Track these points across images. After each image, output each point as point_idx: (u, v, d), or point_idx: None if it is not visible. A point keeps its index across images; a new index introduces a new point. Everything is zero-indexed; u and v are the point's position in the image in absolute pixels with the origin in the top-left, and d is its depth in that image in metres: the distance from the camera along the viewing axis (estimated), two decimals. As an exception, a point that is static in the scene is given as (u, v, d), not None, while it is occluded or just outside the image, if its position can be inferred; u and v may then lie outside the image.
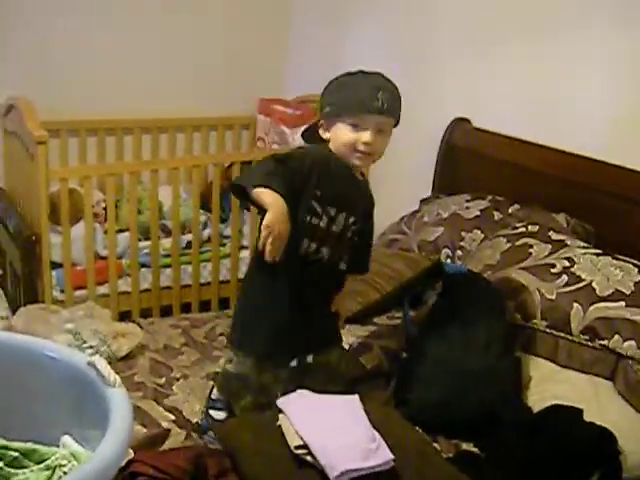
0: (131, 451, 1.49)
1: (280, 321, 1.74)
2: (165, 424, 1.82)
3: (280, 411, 1.63)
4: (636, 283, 1.97)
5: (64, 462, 1.22)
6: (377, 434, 1.56)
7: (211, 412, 1.85)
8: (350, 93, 1.68)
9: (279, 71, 3.70)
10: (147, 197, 3.04)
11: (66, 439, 1.25)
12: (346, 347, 2.02)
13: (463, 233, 2.52)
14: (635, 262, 2.04)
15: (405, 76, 3.11)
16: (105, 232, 2.90)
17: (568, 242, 2.17)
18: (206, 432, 1.80)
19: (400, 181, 3.05)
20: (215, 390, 1.87)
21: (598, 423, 1.74)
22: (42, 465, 1.23)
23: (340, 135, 1.69)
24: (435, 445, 1.78)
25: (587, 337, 1.95)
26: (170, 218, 3.03)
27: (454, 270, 2.21)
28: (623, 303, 1.94)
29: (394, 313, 2.35)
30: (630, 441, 1.74)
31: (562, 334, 1.98)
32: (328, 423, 1.57)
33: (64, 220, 2.68)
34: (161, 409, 1.89)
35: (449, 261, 2.49)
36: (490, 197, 2.61)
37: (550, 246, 2.17)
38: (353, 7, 3.37)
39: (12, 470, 1.22)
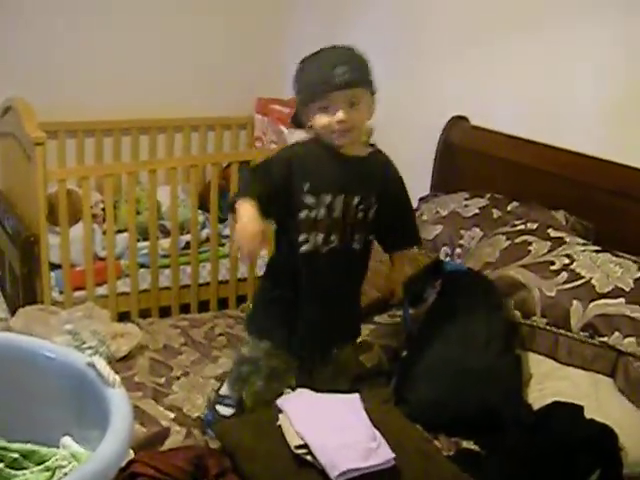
0: (131, 451, 1.49)
1: (300, 313, 1.76)
2: (165, 422, 1.82)
3: (280, 411, 1.63)
4: (636, 280, 1.96)
5: (64, 463, 1.22)
6: (378, 433, 1.56)
7: (218, 407, 1.85)
8: (309, 77, 1.67)
9: (277, 71, 3.69)
10: (145, 197, 3.04)
11: (66, 440, 1.25)
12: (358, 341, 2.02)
13: (462, 231, 2.51)
14: (635, 259, 2.03)
15: (403, 75, 3.16)
16: (104, 233, 2.90)
17: (567, 239, 2.17)
18: (209, 426, 1.80)
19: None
20: (225, 386, 1.87)
21: (599, 420, 1.74)
22: (42, 466, 1.23)
23: (316, 121, 1.68)
24: (436, 443, 1.78)
25: (587, 334, 1.94)
26: (169, 218, 3.02)
27: (454, 268, 2.20)
28: (623, 300, 1.93)
29: (395, 311, 2.35)
30: (631, 437, 1.73)
31: (562, 331, 1.98)
32: (328, 422, 1.57)
33: (62, 221, 2.67)
34: (161, 408, 1.89)
35: (448, 259, 2.48)
36: (489, 195, 2.61)
37: (549, 243, 2.16)
38: (351, 7, 3.37)
39: (12, 471, 1.23)
